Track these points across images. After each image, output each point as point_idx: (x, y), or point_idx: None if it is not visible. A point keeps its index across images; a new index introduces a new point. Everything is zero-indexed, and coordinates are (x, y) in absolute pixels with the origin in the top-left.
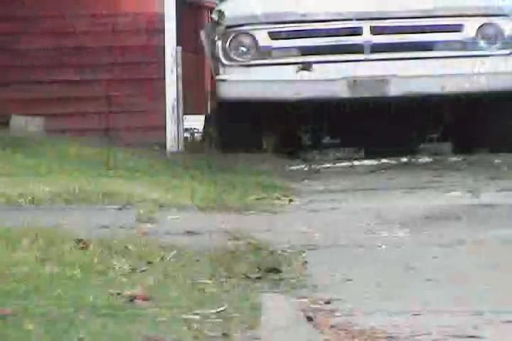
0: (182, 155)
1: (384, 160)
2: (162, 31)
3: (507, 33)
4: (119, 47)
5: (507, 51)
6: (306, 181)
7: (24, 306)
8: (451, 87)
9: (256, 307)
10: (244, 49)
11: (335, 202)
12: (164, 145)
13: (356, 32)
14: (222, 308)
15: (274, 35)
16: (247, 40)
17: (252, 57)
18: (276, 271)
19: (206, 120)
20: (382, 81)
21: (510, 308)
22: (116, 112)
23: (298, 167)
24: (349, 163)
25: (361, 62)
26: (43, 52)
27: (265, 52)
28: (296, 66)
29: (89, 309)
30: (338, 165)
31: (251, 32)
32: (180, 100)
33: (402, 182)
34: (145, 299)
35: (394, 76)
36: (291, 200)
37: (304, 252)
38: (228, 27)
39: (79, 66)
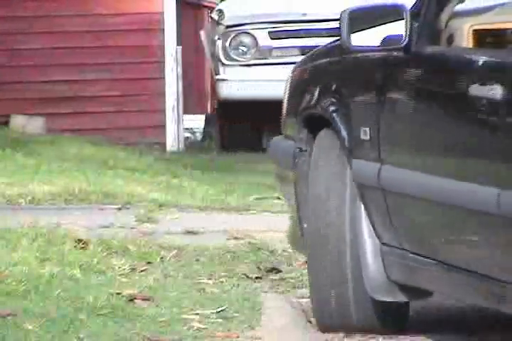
0: (182, 155)
1: None
2: (162, 31)
3: None
4: (119, 47)
5: None
6: None
7: (24, 306)
8: None
9: (256, 307)
10: (244, 49)
11: None
12: (164, 145)
13: None
14: (222, 308)
15: (274, 35)
16: (247, 40)
17: (252, 57)
18: (277, 271)
19: (206, 120)
20: None
21: None
22: (116, 112)
23: None
24: None
25: None
26: (42, 52)
27: (265, 52)
28: None
29: (89, 309)
30: None
31: (251, 32)
32: (181, 100)
33: None
34: (145, 299)
35: None
36: None
37: None
38: (228, 27)
39: (79, 66)
